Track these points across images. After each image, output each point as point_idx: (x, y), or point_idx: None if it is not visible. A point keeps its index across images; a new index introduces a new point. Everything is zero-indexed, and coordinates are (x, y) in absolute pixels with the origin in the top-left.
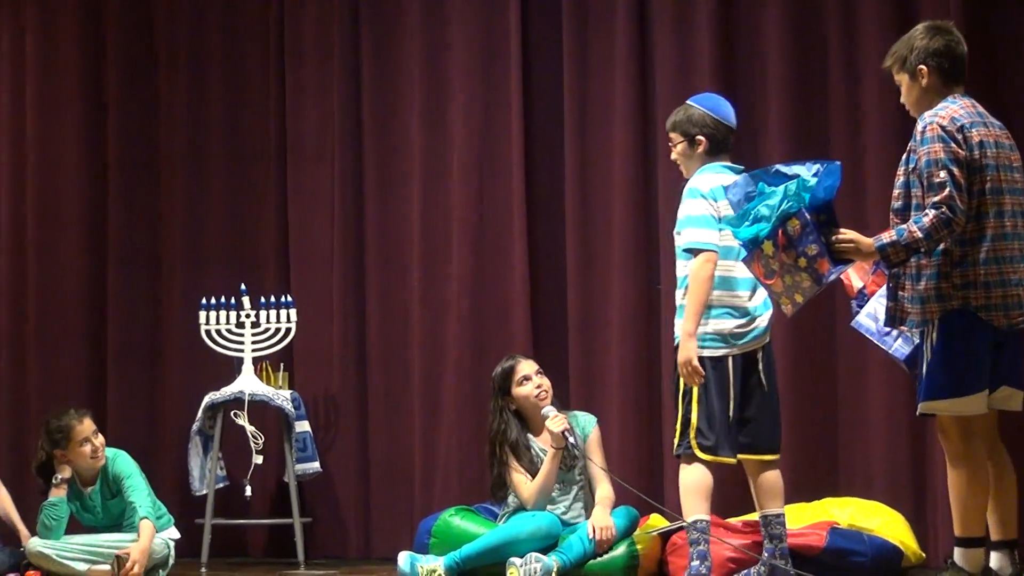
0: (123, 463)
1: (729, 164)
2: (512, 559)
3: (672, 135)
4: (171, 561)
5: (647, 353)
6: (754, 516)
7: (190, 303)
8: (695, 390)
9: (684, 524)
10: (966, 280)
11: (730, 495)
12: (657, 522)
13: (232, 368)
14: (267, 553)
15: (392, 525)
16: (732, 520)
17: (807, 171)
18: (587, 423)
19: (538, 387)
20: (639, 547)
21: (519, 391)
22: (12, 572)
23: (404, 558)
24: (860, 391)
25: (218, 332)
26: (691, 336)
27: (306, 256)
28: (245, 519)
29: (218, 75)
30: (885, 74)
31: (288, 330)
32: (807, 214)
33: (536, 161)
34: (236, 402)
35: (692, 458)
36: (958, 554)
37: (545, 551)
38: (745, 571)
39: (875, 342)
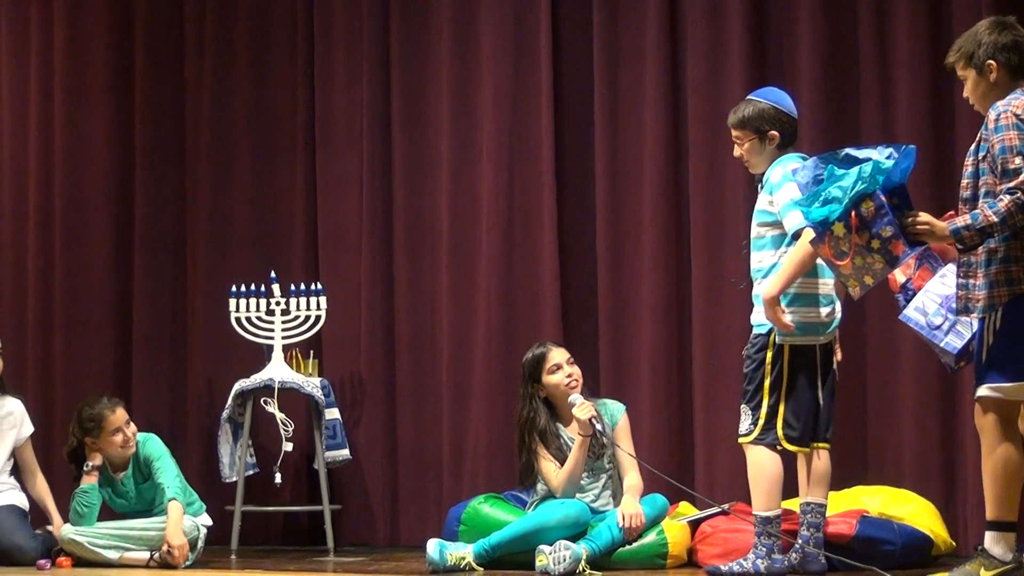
0: (153, 445)
1: (801, 154)
2: (541, 547)
3: (740, 132)
4: (200, 545)
5: (677, 341)
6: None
7: (216, 290)
8: (785, 381)
9: (712, 512)
10: None
11: None
12: (686, 510)
13: (258, 355)
14: (296, 540)
15: (420, 512)
16: None
17: (880, 154)
18: (616, 411)
19: (568, 376)
20: (668, 535)
21: (549, 379)
22: (44, 558)
23: (433, 545)
24: (889, 379)
25: (248, 319)
26: (776, 300)
27: (335, 243)
28: (274, 506)
29: (246, 61)
30: (917, 61)
31: (318, 317)
32: (882, 196)
33: (566, 148)
34: (266, 389)
35: (771, 448)
36: (990, 538)
37: (574, 539)
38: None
39: (924, 336)
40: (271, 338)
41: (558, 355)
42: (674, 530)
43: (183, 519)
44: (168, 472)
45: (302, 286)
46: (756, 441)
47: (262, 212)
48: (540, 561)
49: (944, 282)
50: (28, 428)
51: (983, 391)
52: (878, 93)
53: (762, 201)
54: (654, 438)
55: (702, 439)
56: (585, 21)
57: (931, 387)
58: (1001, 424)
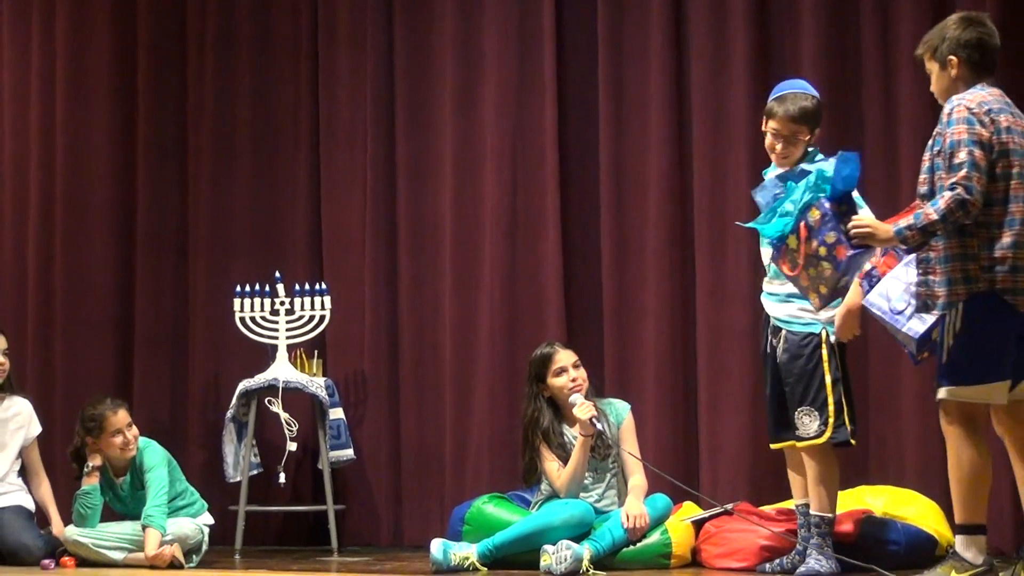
0: (150, 454)
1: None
2: (545, 547)
3: (797, 127)
4: (204, 547)
5: (682, 341)
6: (788, 504)
7: (220, 290)
8: (844, 377)
9: (716, 512)
10: (993, 262)
11: (761, 484)
12: (691, 510)
13: (263, 355)
14: (300, 540)
15: (424, 512)
16: (766, 508)
17: (828, 164)
18: (621, 411)
19: (573, 380)
20: (672, 535)
21: (553, 381)
22: (48, 559)
23: (437, 545)
24: (892, 378)
25: (252, 319)
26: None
27: (338, 243)
28: (278, 506)
29: (249, 60)
30: (920, 62)
31: (322, 317)
32: (826, 203)
33: (570, 148)
34: (270, 389)
35: (843, 446)
36: (960, 542)
37: (579, 539)
38: (778, 559)
39: (887, 322)
40: (275, 338)
41: (565, 357)
42: (678, 530)
43: (159, 541)
44: (155, 487)
45: (306, 286)
46: (830, 440)
47: (265, 211)
48: (544, 561)
49: (910, 269)
50: (36, 428)
51: (943, 394)
52: (881, 93)
53: None
54: (658, 438)
55: (706, 439)
56: (589, 21)
57: (929, 387)
58: (965, 427)
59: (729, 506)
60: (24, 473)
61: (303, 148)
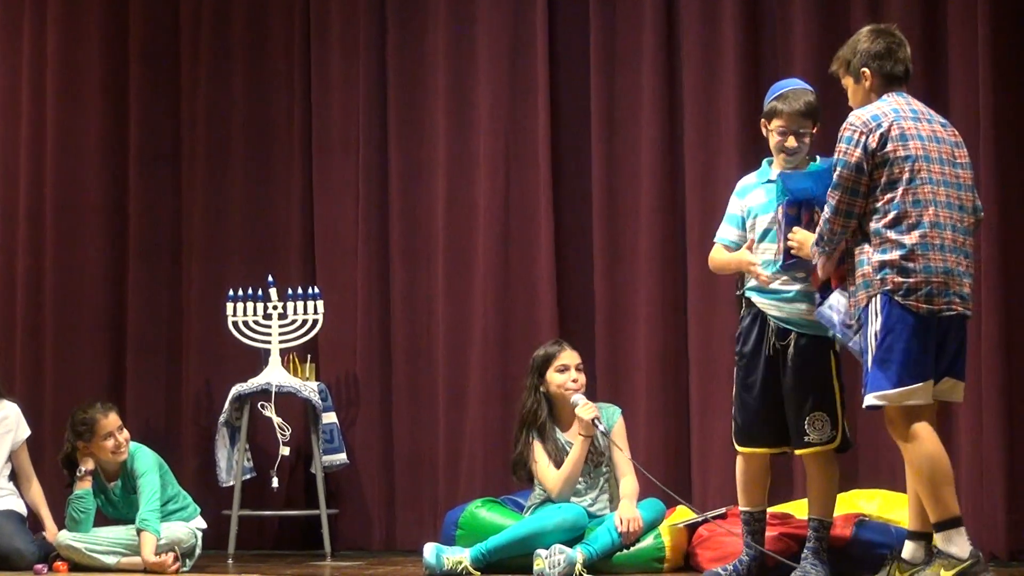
0: (141, 460)
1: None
2: (538, 551)
3: (809, 122)
4: (198, 551)
5: (674, 345)
6: (781, 508)
7: (213, 294)
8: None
9: (709, 516)
10: (883, 265)
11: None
12: (684, 514)
13: (253, 359)
14: (293, 544)
15: (417, 516)
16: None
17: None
18: (612, 414)
19: (573, 380)
20: (665, 539)
21: (553, 377)
22: (41, 563)
23: (430, 549)
24: None
25: (245, 324)
26: None
27: (331, 247)
28: (271, 510)
29: (242, 65)
30: (914, 68)
31: (315, 321)
32: (781, 207)
33: (562, 151)
34: (263, 394)
35: (844, 452)
36: (940, 539)
37: (572, 543)
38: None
39: (837, 337)
40: (268, 342)
41: (570, 357)
42: (671, 534)
43: (155, 545)
44: (147, 491)
45: (299, 290)
46: (840, 446)
47: (258, 216)
48: (537, 565)
49: None
50: (24, 431)
51: (869, 401)
52: None
53: None
54: (650, 442)
55: (698, 443)
56: (581, 25)
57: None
58: (910, 427)
59: (722, 510)
60: (14, 477)
61: (296, 153)
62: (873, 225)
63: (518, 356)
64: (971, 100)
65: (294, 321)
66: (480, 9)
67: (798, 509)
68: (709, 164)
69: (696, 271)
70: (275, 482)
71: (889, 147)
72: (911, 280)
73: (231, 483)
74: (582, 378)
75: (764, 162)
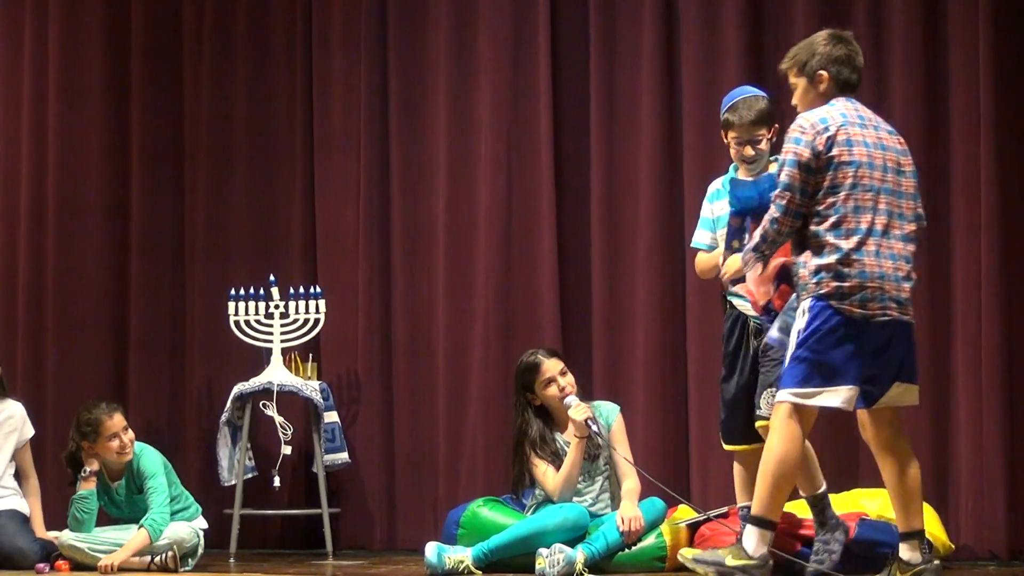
0: (148, 460)
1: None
2: (540, 550)
3: (764, 129)
4: (200, 550)
5: (672, 345)
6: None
7: (215, 294)
8: None
9: (711, 515)
10: (820, 269)
11: (752, 487)
12: (686, 513)
13: (255, 358)
14: (294, 543)
15: (418, 515)
16: None
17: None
18: (610, 413)
19: (561, 389)
20: (667, 538)
21: (544, 392)
22: (43, 563)
23: (432, 548)
24: None
25: (247, 323)
26: None
27: (332, 246)
28: (273, 509)
29: (244, 66)
30: (912, 67)
31: (317, 320)
32: (728, 218)
33: (563, 152)
34: (265, 393)
35: None
36: (750, 532)
37: (573, 542)
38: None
39: (786, 356)
40: (270, 341)
41: (551, 367)
42: (672, 533)
43: (141, 545)
44: (158, 495)
45: (301, 289)
46: None
47: (260, 215)
48: (539, 564)
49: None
50: (29, 431)
51: (782, 396)
52: (873, 95)
53: None
54: (649, 441)
55: (697, 442)
56: (582, 26)
57: (922, 391)
58: (790, 424)
59: (724, 509)
60: (18, 477)
61: (298, 153)
62: (813, 228)
63: (519, 355)
64: (971, 100)
65: (296, 320)
66: (481, 9)
67: (799, 508)
68: (708, 164)
69: (695, 270)
70: (277, 481)
71: (835, 151)
72: (846, 285)
73: (233, 482)
74: (569, 381)
75: (731, 167)
